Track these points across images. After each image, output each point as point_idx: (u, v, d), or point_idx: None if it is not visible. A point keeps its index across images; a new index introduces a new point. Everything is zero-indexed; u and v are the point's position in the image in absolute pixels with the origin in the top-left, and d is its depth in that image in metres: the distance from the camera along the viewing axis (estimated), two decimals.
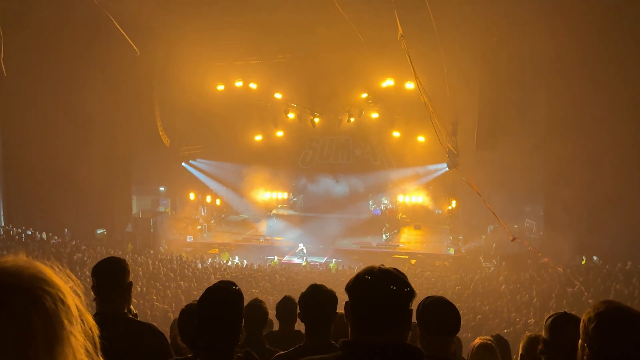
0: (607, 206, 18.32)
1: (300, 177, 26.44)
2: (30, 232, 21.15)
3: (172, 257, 19.85)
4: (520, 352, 3.09)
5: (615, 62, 17.30)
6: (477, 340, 3.90)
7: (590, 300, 13.04)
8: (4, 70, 12.82)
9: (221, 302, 2.22)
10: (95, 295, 2.93)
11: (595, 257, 18.55)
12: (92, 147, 21.02)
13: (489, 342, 3.89)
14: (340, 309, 3.34)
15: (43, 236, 21.05)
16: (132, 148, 23.85)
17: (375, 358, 1.63)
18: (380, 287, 1.67)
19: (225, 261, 21.08)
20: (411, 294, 1.70)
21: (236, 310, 2.23)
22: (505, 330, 11.36)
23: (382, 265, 1.75)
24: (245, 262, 20.32)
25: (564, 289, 14.46)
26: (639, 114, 17.52)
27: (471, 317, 12.75)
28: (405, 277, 1.72)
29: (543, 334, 2.65)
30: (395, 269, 1.74)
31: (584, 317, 1.81)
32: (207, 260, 20.56)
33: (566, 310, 2.70)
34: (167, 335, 4.05)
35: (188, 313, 2.95)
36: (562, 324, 2.54)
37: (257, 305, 3.76)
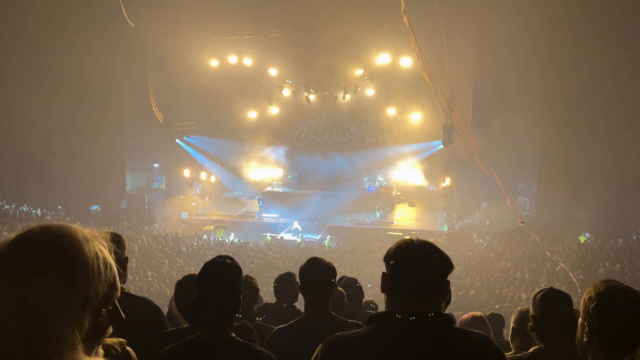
0: (601, 183, 18.45)
1: (295, 154, 26.38)
2: (25, 208, 21.12)
3: (168, 234, 19.91)
4: (512, 325, 3.14)
5: (615, 38, 17.17)
6: (468, 315, 3.97)
7: (580, 277, 13.25)
8: None
9: (221, 276, 2.26)
10: None
11: (587, 234, 18.76)
12: (85, 122, 20.83)
13: (481, 315, 3.96)
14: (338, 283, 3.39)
15: (38, 212, 21.04)
16: (126, 124, 23.68)
17: (413, 326, 1.66)
18: (420, 257, 1.70)
19: (220, 238, 21.16)
20: (449, 265, 1.74)
21: (236, 284, 2.29)
22: (497, 306, 11.55)
23: (419, 237, 1.79)
24: (241, 239, 20.36)
25: (555, 266, 14.65)
26: (637, 90, 17.48)
27: (464, 293, 12.94)
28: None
29: (530, 309, 2.69)
30: (431, 242, 1.78)
31: (584, 296, 1.84)
32: (203, 236, 20.63)
33: (556, 287, 2.74)
34: (164, 309, 4.08)
35: (185, 284, 2.98)
36: (552, 298, 2.58)
37: (248, 282, 3.83)
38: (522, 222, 12.94)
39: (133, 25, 15.99)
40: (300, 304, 3.32)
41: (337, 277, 4.80)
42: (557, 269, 14.31)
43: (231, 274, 2.28)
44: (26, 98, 19.74)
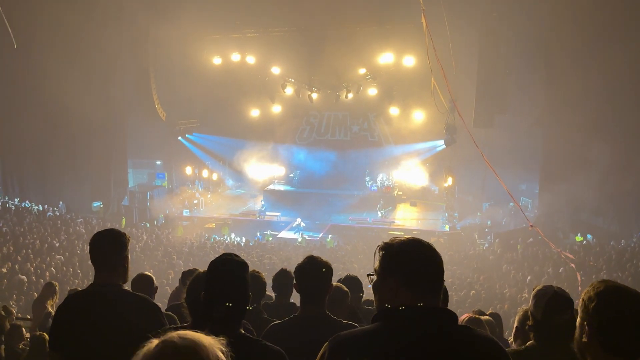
0: (603, 185, 18.38)
1: (297, 152, 26.37)
2: (27, 205, 21.17)
3: (169, 232, 19.90)
4: (515, 324, 3.14)
5: (615, 39, 17.11)
6: (465, 315, 3.96)
7: (582, 278, 13.20)
8: (14, 42, 12.97)
9: (229, 273, 2.29)
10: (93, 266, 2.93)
11: (589, 236, 18.70)
12: (88, 120, 20.79)
13: (477, 316, 3.96)
14: (334, 281, 3.38)
15: (40, 208, 21.09)
16: (129, 122, 23.70)
17: (418, 322, 1.70)
18: (422, 253, 1.77)
19: (224, 235, 21.12)
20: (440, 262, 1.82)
21: (244, 280, 2.31)
22: (498, 306, 11.53)
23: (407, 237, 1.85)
24: (244, 238, 20.28)
25: (557, 266, 14.62)
26: (638, 91, 17.41)
27: (465, 293, 12.91)
28: None
29: (531, 308, 2.68)
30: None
31: (583, 296, 1.84)
32: (205, 235, 20.58)
33: (558, 287, 2.73)
34: (163, 307, 4.07)
35: (198, 279, 2.95)
36: (556, 304, 2.57)
37: (255, 277, 3.83)
38: (532, 226, 12.81)
39: None
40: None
41: (340, 276, 4.81)
42: (560, 270, 14.27)
43: (239, 271, 2.31)
44: (28, 97, 19.77)
